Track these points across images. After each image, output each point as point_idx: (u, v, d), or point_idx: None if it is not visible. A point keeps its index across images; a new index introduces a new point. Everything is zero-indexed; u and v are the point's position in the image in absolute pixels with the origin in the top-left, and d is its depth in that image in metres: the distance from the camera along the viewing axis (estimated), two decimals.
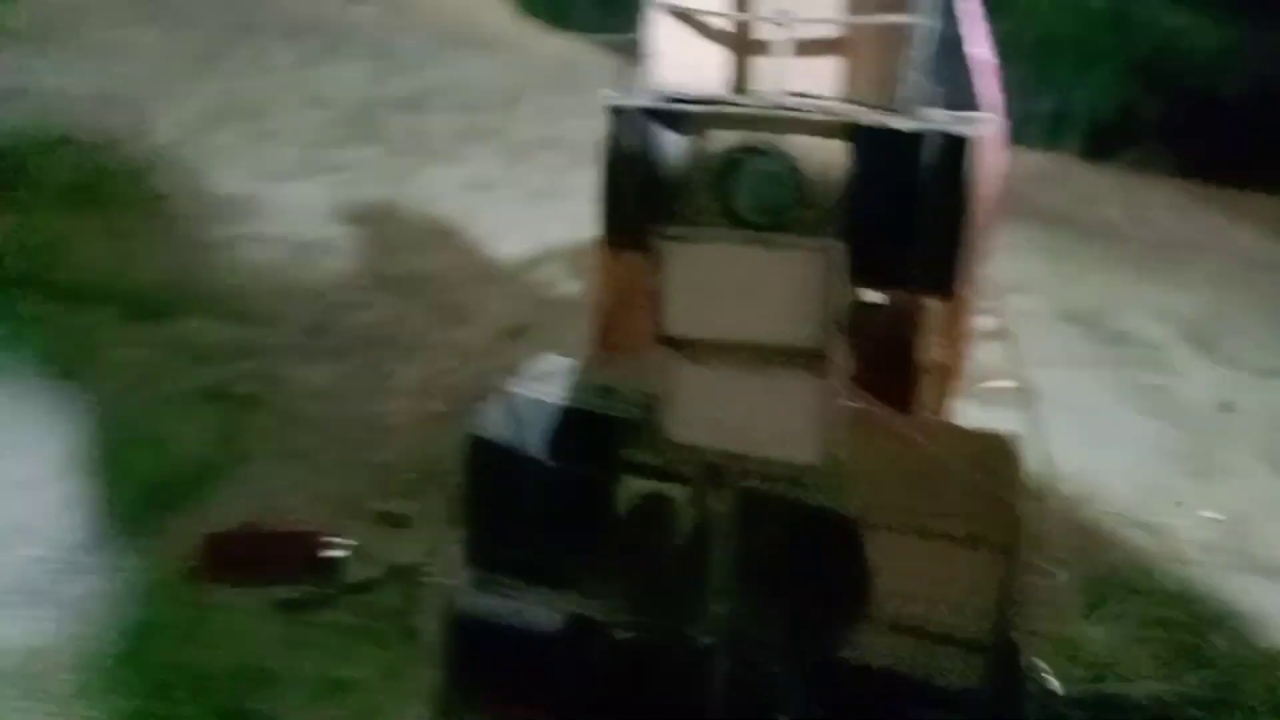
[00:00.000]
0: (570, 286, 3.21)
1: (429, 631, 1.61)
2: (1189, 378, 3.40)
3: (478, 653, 1.22)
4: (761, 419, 1.11)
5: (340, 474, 2.03)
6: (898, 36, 1.20)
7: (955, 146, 1.19)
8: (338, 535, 1.73)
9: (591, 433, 1.20)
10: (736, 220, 1.28)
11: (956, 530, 1.06)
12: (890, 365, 1.38)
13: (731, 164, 1.29)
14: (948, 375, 1.38)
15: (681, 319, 1.10)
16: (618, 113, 1.32)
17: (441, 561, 1.77)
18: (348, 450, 2.11)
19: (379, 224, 3.59)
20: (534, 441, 1.19)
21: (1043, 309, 3.80)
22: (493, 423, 1.21)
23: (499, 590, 1.22)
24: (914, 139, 1.19)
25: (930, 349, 1.38)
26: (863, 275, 1.23)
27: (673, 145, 1.35)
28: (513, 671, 1.20)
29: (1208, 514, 2.42)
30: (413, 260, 3.33)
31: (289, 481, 1.95)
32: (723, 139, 1.30)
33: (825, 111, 1.24)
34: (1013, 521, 1.08)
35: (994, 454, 1.19)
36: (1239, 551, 2.29)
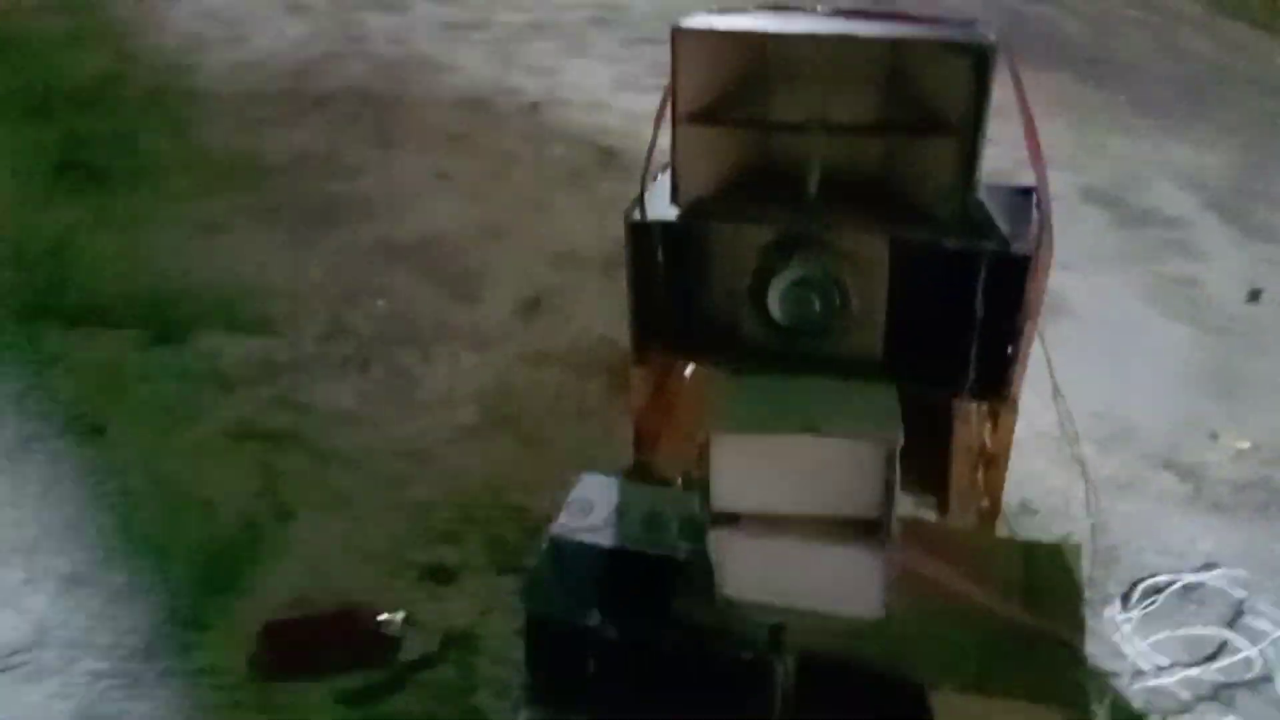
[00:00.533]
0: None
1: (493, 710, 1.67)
2: (1217, 262, 3.32)
3: None
4: (819, 582, 1.10)
5: (381, 520, 2.03)
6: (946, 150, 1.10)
7: (1013, 265, 1.12)
8: (390, 609, 1.75)
9: (645, 585, 1.19)
10: (773, 328, 1.23)
11: (1019, 687, 1.06)
12: (933, 453, 1.35)
13: (766, 273, 1.22)
14: (994, 464, 1.35)
15: (732, 496, 1.06)
16: (641, 228, 1.25)
17: (494, 622, 1.81)
18: (385, 489, 2.11)
19: None
20: (586, 601, 1.17)
21: (1065, 189, 3.67)
22: (544, 588, 1.20)
23: None
24: (971, 257, 1.12)
25: (978, 439, 1.34)
26: (912, 381, 1.19)
27: (701, 258, 1.28)
28: None
29: (1240, 444, 2.41)
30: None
31: (335, 540, 1.96)
32: (756, 247, 1.23)
33: (865, 227, 1.16)
34: (1076, 668, 1.08)
35: (1053, 573, 1.17)
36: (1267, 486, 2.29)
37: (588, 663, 1.20)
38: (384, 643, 1.75)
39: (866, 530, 1.05)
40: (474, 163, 3.90)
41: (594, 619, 1.14)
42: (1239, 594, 1.91)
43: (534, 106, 4.51)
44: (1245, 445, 2.39)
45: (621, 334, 2.76)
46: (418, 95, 4.44)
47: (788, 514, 1.07)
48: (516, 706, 1.28)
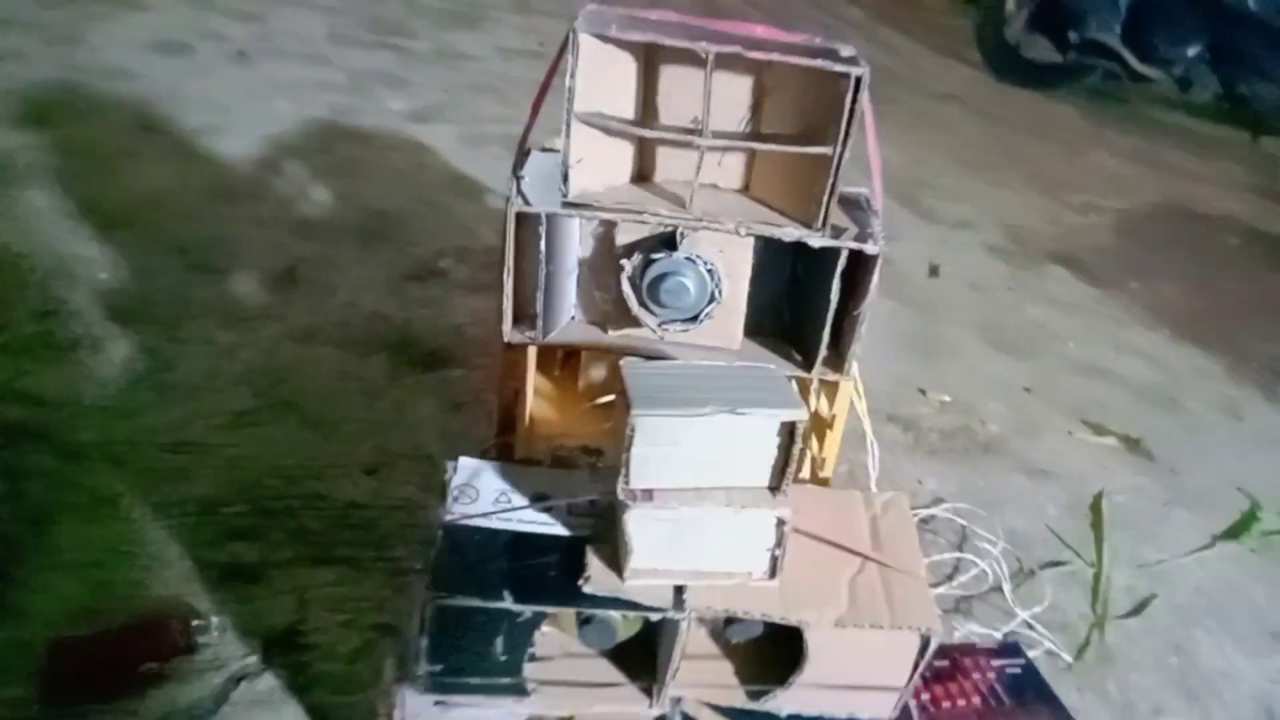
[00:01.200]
0: None
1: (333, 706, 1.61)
2: (903, 244, 3.84)
3: None
4: (720, 547, 1.21)
5: (160, 520, 1.86)
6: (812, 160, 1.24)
7: (865, 260, 1.29)
8: (199, 615, 1.63)
9: (547, 565, 1.23)
10: (651, 314, 1.31)
11: (882, 617, 1.25)
12: None
13: (648, 263, 1.30)
14: (831, 430, 1.54)
15: (649, 474, 1.14)
16: (523, 218, 1.28)
17: (316, 618, 1.74)
18: (157, 484, 1.94)
19: None
20: (496, 586, 1.20)
21: None
22: (449, 576, 1.20)
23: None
24: (832, 254, 1.27)
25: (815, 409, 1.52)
26: (769, 361, 1.34)
27: (580, 248, 1.33)
28: None
29: (942, 398, 2.88)
30: None
31: (109, 545, 1.77)
32: (640, 240, 1.30)
33: (741, 225, 1.28)
34: (924, 595, 1.29)
35: (890, 518, 1.38)
36: (966, 432, 2.77)
37: (496, 645, 1.23)
38: (197, 650, 1.62)
39: (766, 497, 1.18)
40: (184, 115, 3.55)
41: (508, 601, 1.17)
42: (961, 522, 2.31)
43: (241, 54, 4.18)
44: (946, 399, 2.85)
45: (394, 309, 2.71)
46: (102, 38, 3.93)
47: (696, 487, 1.17)
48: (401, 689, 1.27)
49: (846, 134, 1.23)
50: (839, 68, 1.20)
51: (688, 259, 1.30)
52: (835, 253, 1.30)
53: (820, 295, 1.34)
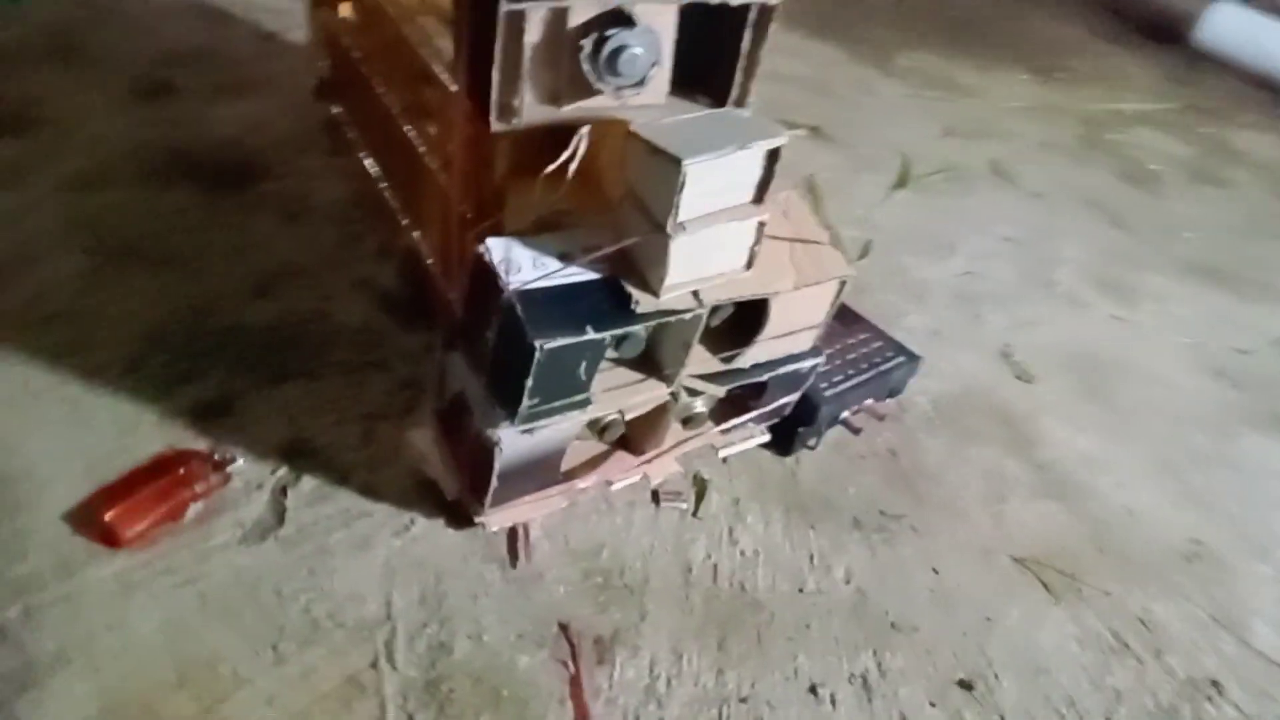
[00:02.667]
0: None
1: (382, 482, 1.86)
2: None
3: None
4: (720, 255, 1.62)
5: (101, 389, 1.88)
6: None
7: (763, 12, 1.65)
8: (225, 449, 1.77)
9: (604, 301, 1.56)
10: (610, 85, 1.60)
11: (817, 277, 1.76)
12: None
13: (603, 42, 1.56)
14: None
15: (687, 210, 1.49)
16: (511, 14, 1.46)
17: (308, 425, 1.92)
18: (43, 359, 1.92)
19: None
20: (578, 324, 1.51)
21: None
22: (542, 327, 1.48)
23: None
24: (741, 9, 1.62)
25: None
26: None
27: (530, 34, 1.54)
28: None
29: None
30: None
31: (62, 430, 1.79)
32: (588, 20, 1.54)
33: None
34: (837, 257, 1.81)
35: (793, 204, 1.86)
36: None
37: (580, 371, 1.57)
38: (230, 478, 1.77)
39: (754, 208, 1.58)
40: None
41: (591, 332, 1.51)
42: None
43: None
44: None
45: (156, 135, 2.58)
46: None
47: (710, 212, 1.54)
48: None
49: None
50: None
51: (644, 31, 1.58)
52: (746, 7, 1.64)
53: (732, 45, 1.69)
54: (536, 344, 1.46)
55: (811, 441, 2.13)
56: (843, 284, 1.78)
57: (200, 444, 1.82)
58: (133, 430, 1.81)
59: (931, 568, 1.95)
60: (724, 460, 2.04)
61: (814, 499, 2.04)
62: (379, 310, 2.23)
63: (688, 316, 1.61)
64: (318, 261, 2.32)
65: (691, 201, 1.48)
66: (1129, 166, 3.96)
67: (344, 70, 2.44)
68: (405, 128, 2.06)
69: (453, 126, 1.80)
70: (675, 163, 1.43)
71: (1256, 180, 4.13)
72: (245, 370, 1.99)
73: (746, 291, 1.66)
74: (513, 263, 1.57)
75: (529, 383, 1.52)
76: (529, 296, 1.52)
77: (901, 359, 2.24)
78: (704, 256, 1.59)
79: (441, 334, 2.03)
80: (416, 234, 2.17)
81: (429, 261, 2.11)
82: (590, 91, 1.68)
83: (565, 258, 1.61)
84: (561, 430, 1.69)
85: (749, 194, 1.58)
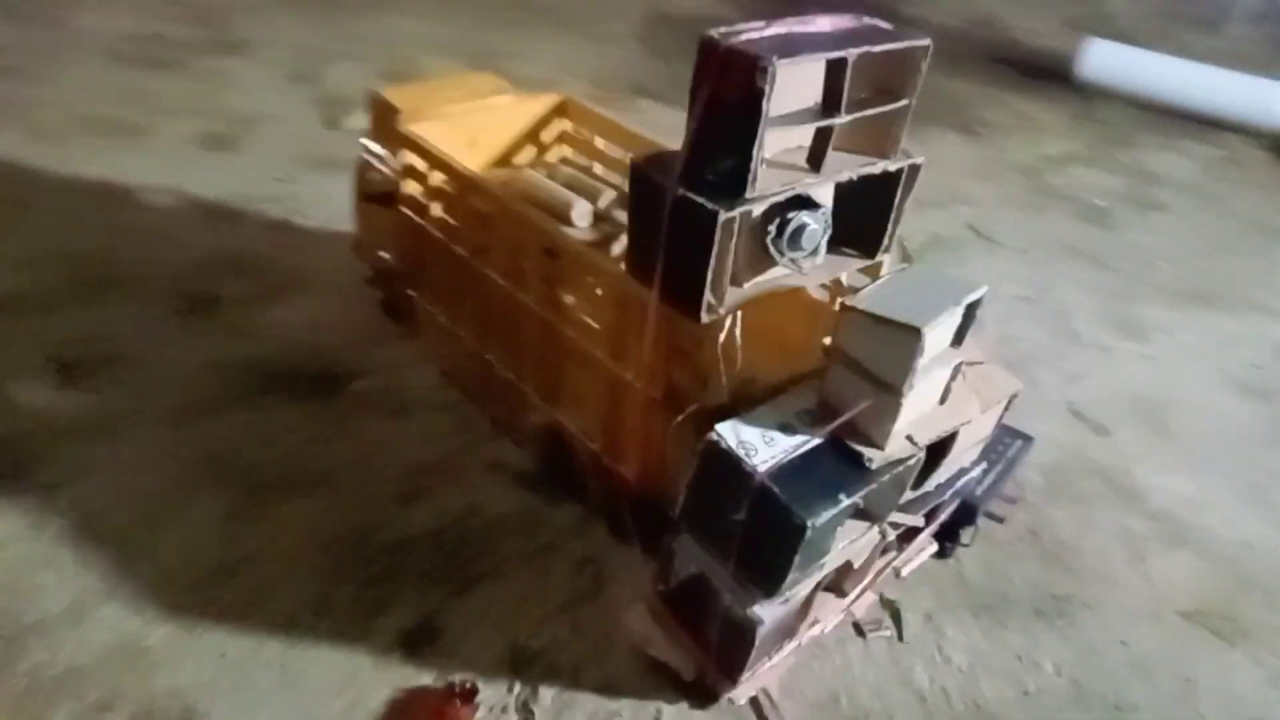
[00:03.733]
0: None
1: None
2: None
3: None
4: (926, 395, 1.71)
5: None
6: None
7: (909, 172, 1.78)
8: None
9: (838, 460, 1.63)
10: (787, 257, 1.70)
11: (994, 398, 1.87)
12: None
13: (785, 223, 1.66)
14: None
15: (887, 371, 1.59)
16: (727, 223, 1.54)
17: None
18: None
19: None
20: (829, 491, 1.57)
21: None
22: (799, 499, 1.53)
23: None
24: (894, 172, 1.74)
25: None
26: None
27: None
28: None
29: None
30: None
31: None
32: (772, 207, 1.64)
33: (854, 173, 1.68)
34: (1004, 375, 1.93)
35: None
36: None
37: (834, 533, 1.63)
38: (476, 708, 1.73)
39: (954, 352, 1.69)
40: None
41: (845, 500, 1.57)
42: None
43: None
44: None
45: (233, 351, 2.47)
46: None
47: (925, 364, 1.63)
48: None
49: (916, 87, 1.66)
50: (919, 43, 1.62)
51: (819, 209, 1.68)
52: (900, 170, 1.76)
53: (881, 202, 1.80)
54: (808, 523, 1.51)
55: (966, 539, 2.22)
56: (1013, 398, 1.89)
57: (424, 679, 1.78)
58: (352, 681, 1.76)
59: (1120, 641, 2.06)
60: (902, 577, 2.11)
61: (990, 595, 2.13)
62: (523, 491, 2.23)
63: (910, 462, 1.69)
64: (443, 453, 2.31)
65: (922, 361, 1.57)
66: (1080, 208, 4.29)
67: (419, 254, 2.45)
68: (540, 311, 2.08)
69: (621, 312, 1.85)
70: (914, 332, 1.52)
71: (1185, 200, 4.53)
72: (431, 585, 1.95)
73: (949, 425, 1.75)
74: (747, 444, 1.62)
75: (796, 558, 1.56)
76: (779, 476, 1.57)
77: (1019, 442, 2.38)
78: (912, 403, 1.68)
79: (610, 514, 2.04)
80: (553, 411, 2.18)
81: (577, 438, 2.12)
82: (763, 266, 1.77)
83: (786, 429, 1.67)
84: (804, 591, 1.73)
85: (949, 339, 1.68)
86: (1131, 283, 3.67)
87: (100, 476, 2.09)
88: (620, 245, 2.30)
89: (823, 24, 1.64)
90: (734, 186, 1.57)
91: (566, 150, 2.71)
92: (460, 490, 2.20)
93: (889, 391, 1.60)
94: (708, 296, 1.65)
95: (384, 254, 2.64)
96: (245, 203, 3.29)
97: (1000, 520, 2.30)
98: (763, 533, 1.59)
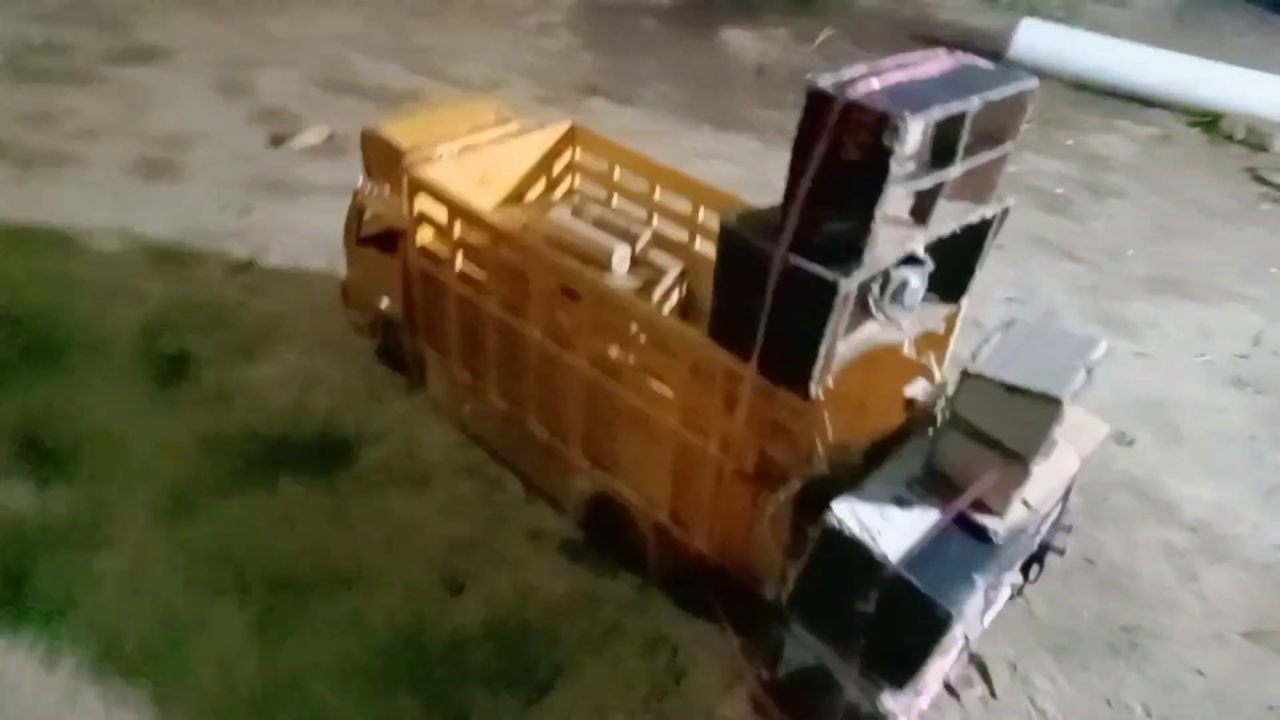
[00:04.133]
0: None
1: None
2: None
3: None
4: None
5: None
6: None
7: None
8: None
9: (965, 544, 1.54)
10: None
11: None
12: None
13: (887, 281, 1.56)
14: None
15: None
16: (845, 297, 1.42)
17: None
18: None
19: None
20: (964, 571, 1.48)
21: None
22: (938, 587, 1.44)
23: None
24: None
25: None
26: None
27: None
28: None
29: None
30: None
31: None
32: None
33: (960, 224, 1.58)
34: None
35: None
36: None
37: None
38: None
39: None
40: None
41: (981, 582, 1.48)
42: None
43: None
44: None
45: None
46: None
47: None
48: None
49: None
50: (1028, 85, 1.52)
51: (923, 265, 1.58)
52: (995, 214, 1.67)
53: (970, 245, 1.70)
54: (952, 613, 1.42)
55: (1033, 577, 2.18)
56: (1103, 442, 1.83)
57: None
58: None
59: (1195, 670, 2.05)
60: (985, 627, 2.04)
61: (1062, 634, 2.10)
62: (572, 563, 2.09)
63: (1030, 530, 1.61)
64: (478, 526, 2.13)
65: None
66: (1040, 197, 4.32)
67: (434, 305, 2.23)
68: (593, 373, 1.92)
69: (699, 380, 1.71)
70: (1054, 403, 1.43)
71: (1135, 184, 4.62)
72: (502, 689, 1.80)
73: (1059, 483, 1.68)
74: (869, 526, 1.51)
75: (935, 647, 1.46)
76: (913, 564, 1.47)
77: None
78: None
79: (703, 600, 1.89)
80: (605, 478, 2.03)
81: (635, 506, 1.97)
82: (858, 324, 1.65)
83: (901, 503, 1.57)
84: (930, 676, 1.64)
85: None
86: (1107, 276, 3.70)
87: (107, 591, 1.85)
88: (661, 290, 2.16)
89: (928, 67, 1.52)
90: (849, 250, 1.45)
91: (577, 177, 2.54)
92: (507, 569, 2.03)
93: (1017, 461, 1.51)
94: (820, 371, 1.52)
95: (383, 302, 2.42)
96: (200, 241, 2.99)
97: (1062, 552, 2.25)
98: (897, 624, 1.49)
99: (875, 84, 1.40)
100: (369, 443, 2.31)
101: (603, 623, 1.95)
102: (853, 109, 1.37)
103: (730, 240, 1.56)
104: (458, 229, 2.05)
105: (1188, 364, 3.19)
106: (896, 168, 1.35)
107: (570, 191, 2.51)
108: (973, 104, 1.44)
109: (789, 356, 1.54)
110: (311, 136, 3.76)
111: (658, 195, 2.33)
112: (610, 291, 1.87)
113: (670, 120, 4.58)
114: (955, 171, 1.50)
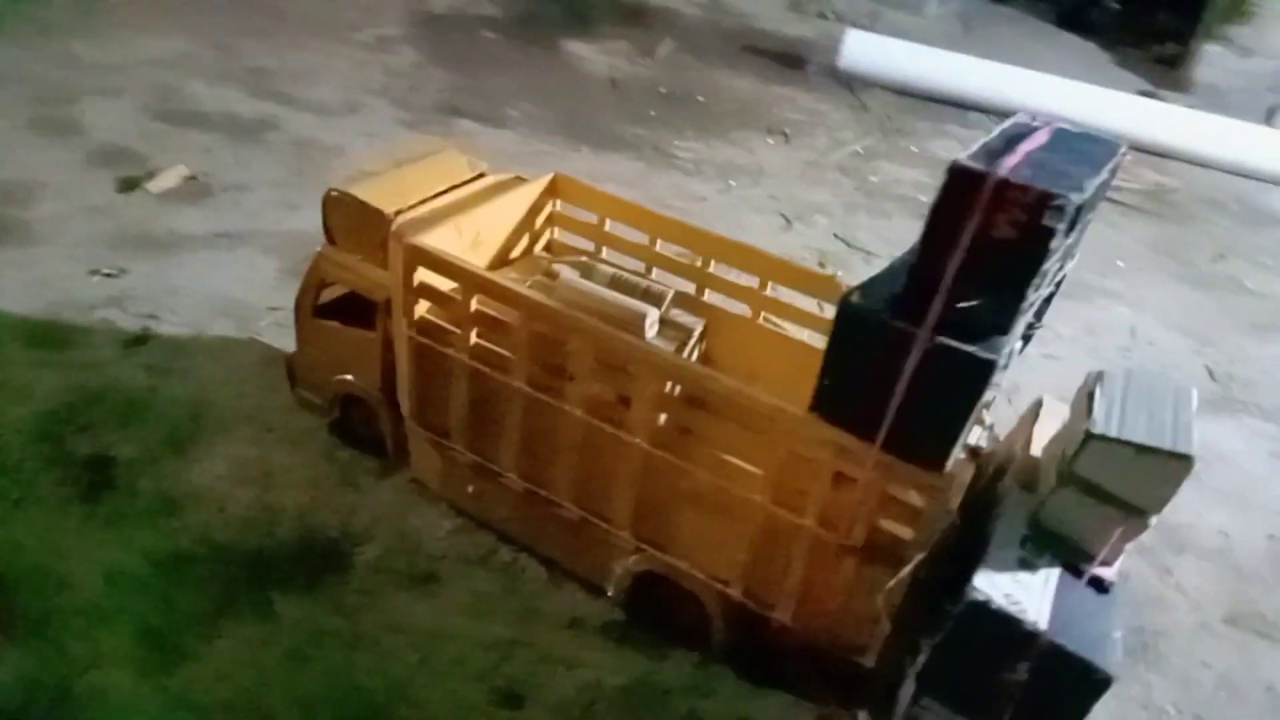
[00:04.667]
0: None
1: None
2: None
3: None
4: None
5: None
6: None
7: None
8: None
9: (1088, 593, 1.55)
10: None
11: None
12: None
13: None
14: None
15: None
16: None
17: None
18: None
19: None
20: (1101, 633, 1.49)
21: None
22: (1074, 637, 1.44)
23: None
24: None
25: None
26: None
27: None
28: None
29: None
30: None
31: None
32: None
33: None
34: None
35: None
36: None
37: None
38: None
39: None
40: None
41: (1119, 637, 1.49)
42: None
43: None
44: None
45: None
46: None
47: None
48: None
49: None
50: (1121, 151, 1.54)
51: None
52: None
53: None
54: (1112, 674, 1.43)
55: None
56: None
57: None
58: None
59: (1200, 662, 2.21)
60: None
61: None
62: (622, 648, 1.94)
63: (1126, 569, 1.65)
64: (511, 624, 1.95)
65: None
66: (912, 206, 4.52)
67: (429, 382, 2.00)
68: (655, 451, 1.78)
69: (793, 457, 1.62)
70: (1184, 460, 1.47)
71: None
72: None
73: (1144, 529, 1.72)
74: (1010, 596, 1.49)
75: (1091, 708, 1.47)
76: (1061, 630, 1.46)
77: None
78: None
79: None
80: (661, 555, 1.89)
81: (699, 581, 1.85)
82: None
83: (1026, 565, 1.56)
84: None
85: None
86: None
87: None
88: (689, 351, 2.05)
89: (1039, 136, 1.51)
90: (994, 326, 1.41)
91: (556, 230, 2.37)
92: (560, 669, 1.86)
93: (1139, 516, 1.53)
94: (958, 446, 1.48)
95: (346, 378, 2.14)
96: (75, 315, 2.55)
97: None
98: (1052, 691, 1.48)
99: (1012, 161, 1.37)
100: (359, 541, 2.04)
101: (676, 712, 1.82)
102: (1010, 188, 1.33)
103: (857, 318, 1.49)
104: (474, 303, 1.83)
105: (1086, 362, 3.44)
106: (1055, 245, 1.33)
107: (550, 245, 2.34)
108: (1104, 177, 1.46)
109: (926, 433, 1.48)
110: (168, 180, 3.30)
111: (659, 246, 2.21)
112: (706, 375, 1.75)
113: (546, 142, 4.42)
114: (1075, 239, 1.51)
